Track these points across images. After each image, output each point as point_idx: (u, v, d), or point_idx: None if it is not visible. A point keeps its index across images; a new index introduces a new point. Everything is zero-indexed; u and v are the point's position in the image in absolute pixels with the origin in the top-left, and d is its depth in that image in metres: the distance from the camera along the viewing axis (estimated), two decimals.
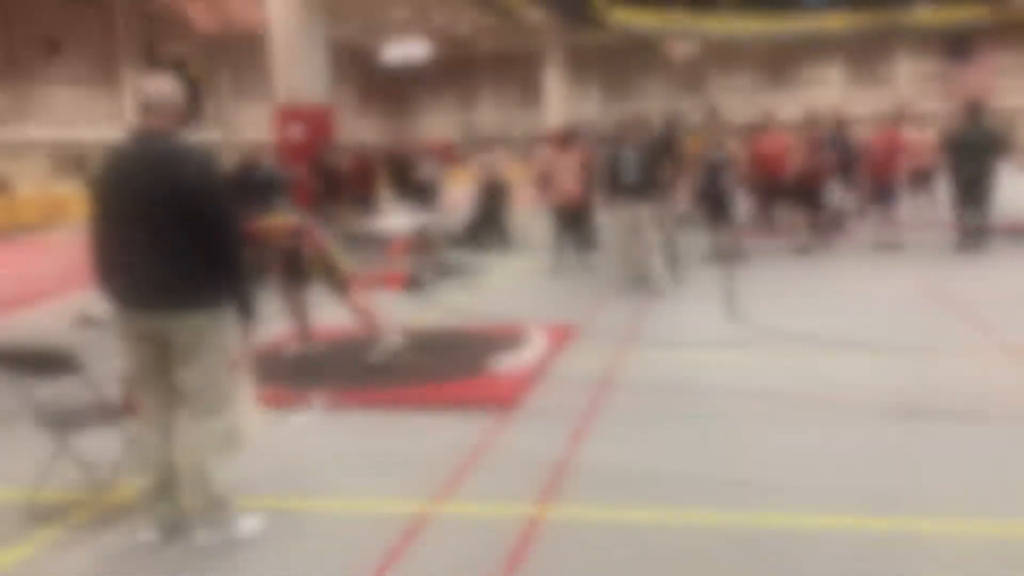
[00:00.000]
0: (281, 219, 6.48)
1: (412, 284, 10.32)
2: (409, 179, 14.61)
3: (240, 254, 3.68)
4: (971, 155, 10.55)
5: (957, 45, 40.67)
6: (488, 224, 14.50)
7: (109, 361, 3.96)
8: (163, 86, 3.69)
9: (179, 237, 3.53)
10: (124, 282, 3.60)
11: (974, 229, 10.97)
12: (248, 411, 3.93)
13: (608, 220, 9.85)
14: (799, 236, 11.61)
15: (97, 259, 3.73)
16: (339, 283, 6.41)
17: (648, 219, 9.02)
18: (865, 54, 42.87)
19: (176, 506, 3.77)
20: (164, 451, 3.70)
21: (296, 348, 6.91)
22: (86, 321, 8.89)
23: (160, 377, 3.71)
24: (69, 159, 28.31)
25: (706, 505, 3.87)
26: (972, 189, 10.64)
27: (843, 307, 8.07)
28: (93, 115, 29.18)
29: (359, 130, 44.55)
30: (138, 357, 3.69)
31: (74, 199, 23.48)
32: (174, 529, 3.77)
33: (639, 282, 9.55)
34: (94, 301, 9.21)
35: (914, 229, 13.23)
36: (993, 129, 10.92)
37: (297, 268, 6.53)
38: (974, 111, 10.86)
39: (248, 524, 3.76)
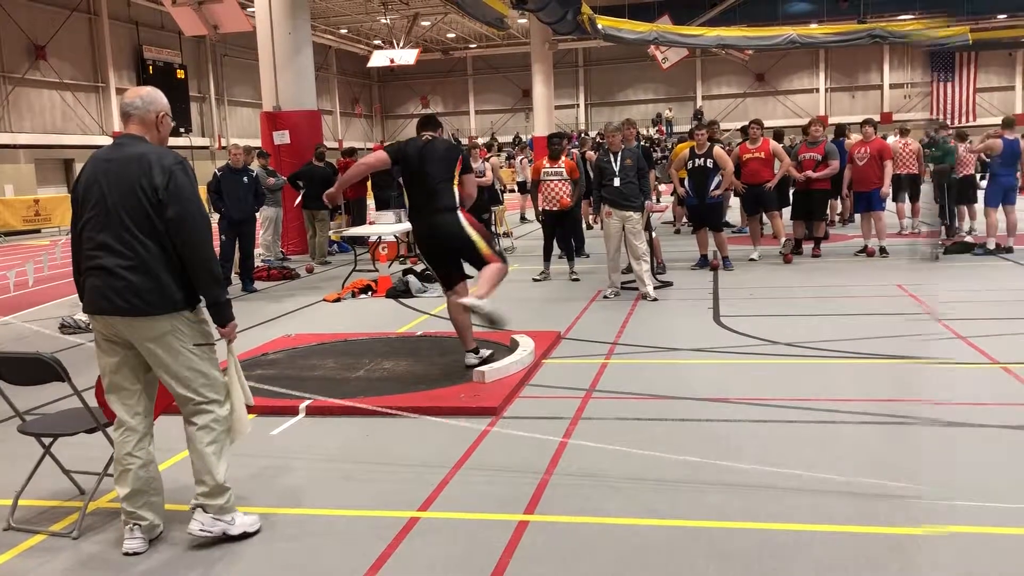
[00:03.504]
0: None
1: (398, 290, 10.31)
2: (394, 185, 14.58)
3: (212, 258, 3.68)
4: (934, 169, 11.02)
5: (939, 61, 41.09)
6: None
7: (94, 367, 3.94)
8: (142, 95, 3.73)
9: (144, 240, 3.55)
10: (93, 285, 3.61)
11: (932, 237, 11.30)
12: (237, 409, 3.91)
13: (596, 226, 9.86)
14: (786, 243, 11.69)
15: (74, 263, 3.76)
16: (499, 254, 6.21)
17: (636, 225, 9.06)
18: (850, 62, 43.20)
19: (159, 513, 3.75)
20: (141, 457, 3.68)
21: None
22: (70, 327, 8.83)
23: (134, 382, 3.71)
24: (55, 164, 28.15)
25: (693, 508, 3.88)
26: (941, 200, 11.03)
27: (829, 313, 8.10)
28: (80, 120, 29.04)
29: (347, 135, 44.54)
30: (110, 361, 3.69)
31: (58, 204, 23.37)
32: (157, 537, 3.75)
33: (627, 287, 9.59)
34: (78, 307, 9.17)
35: (899, 236, 13.36)
36: (944, 145, 11.22)
37: (448, 252, 6.27)
38: (933, 129, 11.34)
39: (245, 520, 3.78)
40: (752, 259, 11.38)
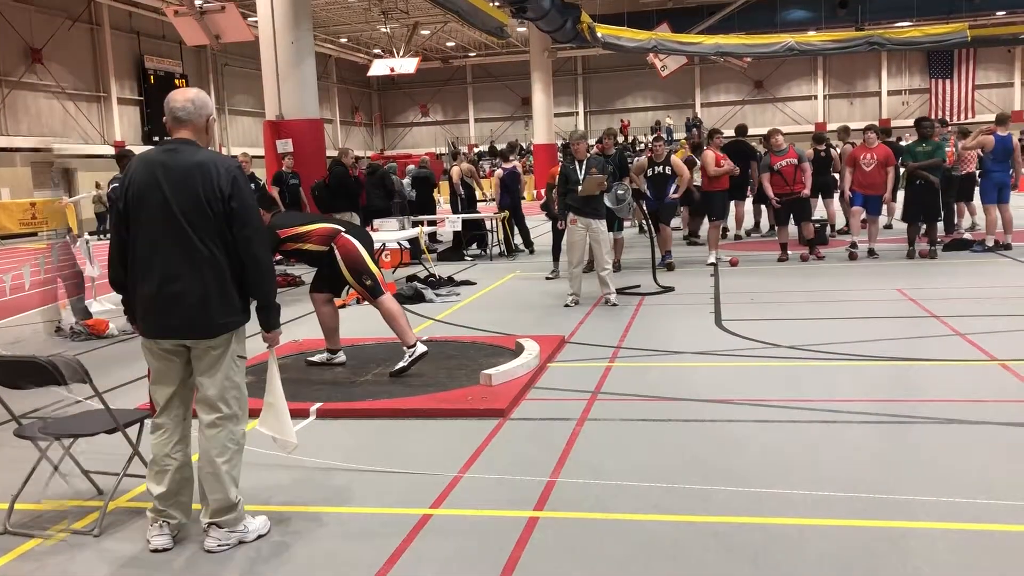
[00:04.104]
0: (317, 225, 6.49)
1: (404, 296, 10.35)
2: (392, 191, 14.62)
3: (270, 265, 3.72)
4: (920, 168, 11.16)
5: (938, 61, 41.20)
6: (474, 236, 14.63)
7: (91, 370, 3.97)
8: (191, 98, 3.71)
9: (208, 249, 3.55)
10: (147, 296, 3.60)
11: (918, 239, 11.57)
12: (283, 417, 3.99)
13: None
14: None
15: (118, 263, 3.72)
16: (370, 289, 6.39)
17: (600, 233, 9.02)
18: (848, 69, 43.35)
19: (186, 512, 3.80)
20: (178, 459, 3.72)
21: (321, 356, 6.95)
22: (63, 331, 8.88)
23: (180, 385, 3.74)
24: (52, 168, 28.17)
25: (699, 504, 3.94)
26: (922, 201, 11.23)
27: (830, 317, 8.17)
28: (82, 129, 29.09)
29: (347, 143, 44.57)
30: (156, 363, 3.72)
31: (53, 207, 23.40)
32: (184, 536, 3.80)
33: (626, 293, 9.64)
34: (71, 311, 9.16)
35: (893, 239, 13.41)
36: (935, 143, 11.30)
37: (329, 273, 6.54)
38: (922, 128, 11.49)
39: (256, 523, 3.81)
40: (754, 262, 11.45)
